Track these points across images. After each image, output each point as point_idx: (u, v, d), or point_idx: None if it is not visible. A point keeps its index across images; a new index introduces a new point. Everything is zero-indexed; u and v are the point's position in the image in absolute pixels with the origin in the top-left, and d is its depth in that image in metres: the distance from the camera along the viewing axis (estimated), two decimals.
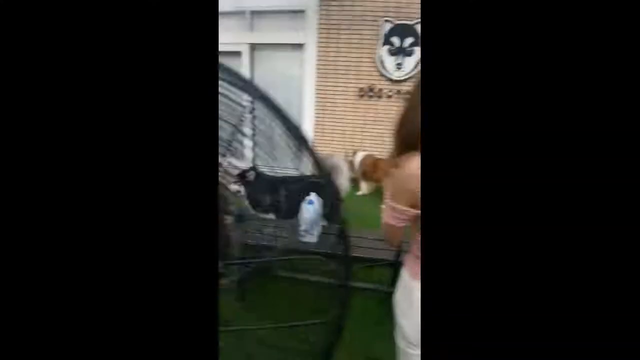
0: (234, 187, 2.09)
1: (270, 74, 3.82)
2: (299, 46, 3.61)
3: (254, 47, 3.78)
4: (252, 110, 1.03)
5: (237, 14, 3.72)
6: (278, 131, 0.86)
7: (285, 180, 2.18)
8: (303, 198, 1.82)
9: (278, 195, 2.07)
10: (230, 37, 3.70)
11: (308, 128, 3.66)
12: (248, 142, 2.41)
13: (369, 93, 3.62)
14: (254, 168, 2.17)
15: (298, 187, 2.00)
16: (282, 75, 3.80)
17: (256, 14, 3.73)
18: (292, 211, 1.84)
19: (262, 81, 3.72)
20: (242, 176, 2.19)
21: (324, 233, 1.67)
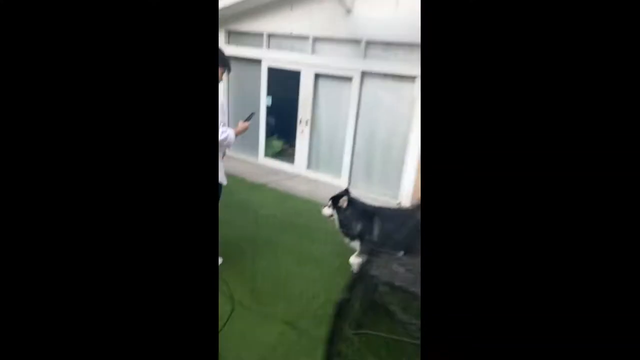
0: (327, 210, 2.33)
1: (378, 101, 4.20)
2: (410, 78, 3.82)
3: (364, 74, 4.13)
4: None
5: (353, 41, 4.13)
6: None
7: (380, 210, 2.31)
8: (399, 230, 2.10)
9: (371, 224, 2.20)
10: (343, 62, 4.22)
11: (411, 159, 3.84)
12: (346, 160, 5.10)
13: None
14: (347, 192, 2.28)
15: (393, 218, 2.24)
16: (389, 105, 4.12)
17: (371, 44, 4.07)
18: (385, 242, 2.06)
19: (370, 108, 4.24)
20: (335, 200, 2.30)
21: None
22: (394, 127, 4.26)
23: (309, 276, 2.30)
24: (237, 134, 2.05)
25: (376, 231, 2.32)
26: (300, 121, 4.95)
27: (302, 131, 4.97)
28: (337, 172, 4.83)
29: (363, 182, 4.68)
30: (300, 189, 4.49)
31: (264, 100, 5.22)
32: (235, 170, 4.88)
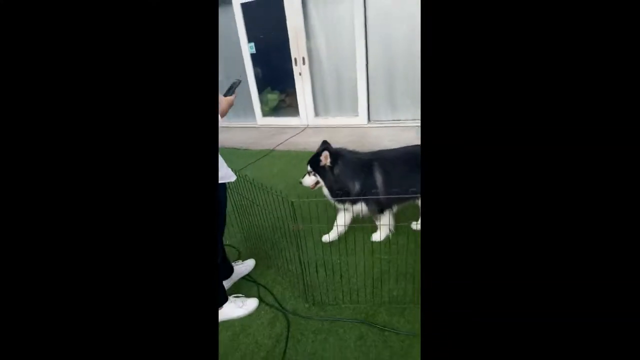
0: (308, 180, 1.77)
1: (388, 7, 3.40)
2: None
3: None
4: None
5: None
6: None
7: (377, 155, 1.78)
8: (410, 171, 1.63)
9: (372, 175, 1.68)
10: None
11: None
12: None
13: None
14: (326, 145, 1.74)
15: (397, 159, 1.71)
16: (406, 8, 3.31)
17: None
18: (395, 190, 1.58)
19: (380, 18, 3.31)
20: (314, 162, 1.73)
21: None
22: (414, 35, 3.34)
23: (367, 262, 1.70)
24: (222, 115, 1.35)
25: (380, 181, 1.73)
26: (296, 61, 4.05)
27: (300, 73, 4.08)
28: (353, 110, 4.03)
29: (386, 114, 3.90)
30: (315, 142, 3.76)
31: (246, 49, 4.27)
32: (234, 141, 4.15)
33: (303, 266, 1.47)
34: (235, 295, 1.59)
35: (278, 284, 1.72)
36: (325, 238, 1.96)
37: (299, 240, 1.45)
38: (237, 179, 1.61)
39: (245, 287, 1.72)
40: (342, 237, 1.95)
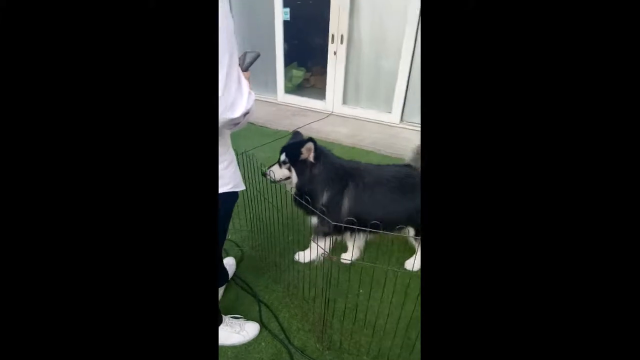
0: (279, 171, 1.43)
1: None
2: None
3: None
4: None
5: None
6: None
7: (359, 170, 1.46)
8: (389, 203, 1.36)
9: (340, 194, 1.39)
10: None
11: None
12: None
13: None
14: (312, 141, 1.37)
15: (380, 181, 1.40)
16: None
17: None
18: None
19: None
20: (292, 151, 1.41)
21: None
22: None
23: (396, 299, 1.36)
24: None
25: (346, 201, 1.44)
26: (333, 38, 3.61)
27: (336, 52, 3.66)
28: (387, 105, 3.63)
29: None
30: (340, 133, 3.38)
31: (280, 15, 3.82)
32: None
33: (326, 302, 1.14)
34: (232, 315, 1.28)
35: (285, 306, 1.41)
36: (299, 257, 1.64)
37: (329, 269, 1.11)
38: (248, 158, 1.33)
39: (244, 302, 1.41)
40: (366, 266, 1.63)
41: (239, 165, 1.08)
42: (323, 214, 1.27)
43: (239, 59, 0.85)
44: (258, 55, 0.99)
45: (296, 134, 1.59)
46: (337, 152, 2.91)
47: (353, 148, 3.08)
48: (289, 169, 1.46)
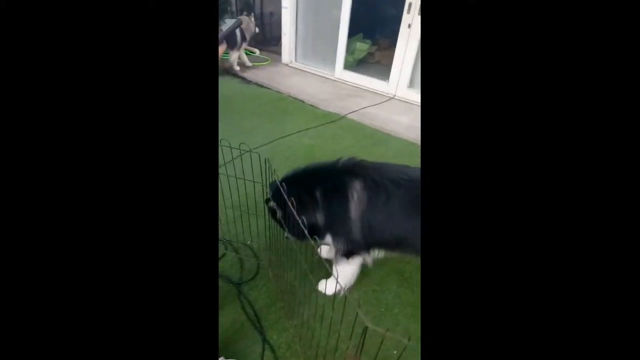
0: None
1: None
2: None
3: None
4: None
5: None
6: None
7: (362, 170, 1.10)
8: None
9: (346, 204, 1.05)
10: None
11: None
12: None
13: None
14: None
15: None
16: None
17: None
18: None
19: None
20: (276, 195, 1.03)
21: None
22: None
23: None
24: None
25: (355, 210, 1.07)
26: (410, 8, 3.01)
27: (410, 25, 3.07)
28: None
29: None
30: (399, 123, 2.88)
31: None
32: (302, 90, 3.41)
33: None
34: (227, 359, 1.03)
35: (294, 355, 1.11)
36: (322, 287, 1.29)
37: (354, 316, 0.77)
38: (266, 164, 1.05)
39: (247, 336, 1.15)
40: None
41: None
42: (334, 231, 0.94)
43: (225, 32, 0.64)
44: (239, 24, 0.79)
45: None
46: (393, 146, 2.50)
47: (414, 144, 2.58)
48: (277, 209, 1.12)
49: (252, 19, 3.65)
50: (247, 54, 4.00)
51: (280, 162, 2.15)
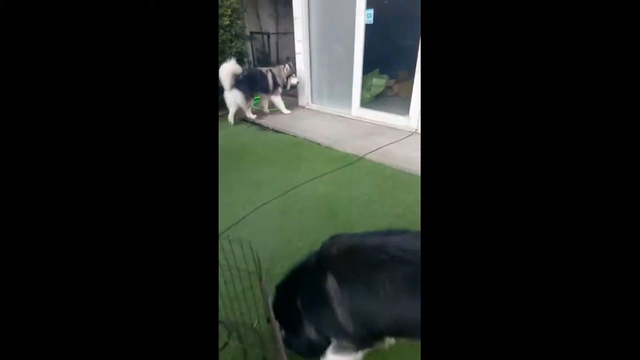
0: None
1: None
2: None
3: None
4: None
5: None
6: None
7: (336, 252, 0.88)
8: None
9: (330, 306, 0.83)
10: None
11: None
12: None
13: None
14: None
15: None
16: None
17: None
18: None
19: None
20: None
21: None
22: None
23: None
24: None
25: (342, 310, 0.84)
26: None
27: None
28: None
29: None
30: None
31: (362, 17, 3.27)
32: (317, 132, 3.31)
33: None
34: None
35: None
36: None
37: None
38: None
39: None
40: None
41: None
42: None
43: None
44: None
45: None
46: (416, 189, 2.25)
47: None
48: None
49: (286, 68, 3.68)
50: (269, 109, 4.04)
51: (293, 217, 1.97)
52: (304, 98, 4.16)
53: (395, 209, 2.03)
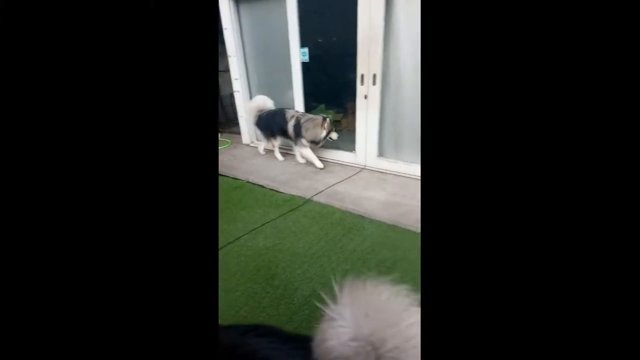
0: None
1: None
2: None
3: None
4: None
5: None
6: None
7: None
8: None
9: None
10: None
11: None
12: None
13: None
14: None
15: None
16: None
17: None
18: None
19: None
20: None
21: None
22: None
23: None
24: None
25: None
26: (363, 79, 2.86)
27: (367, 96, 2.89)
28: None
29: None
30: (375, 201, 2.49)
31: (297, 56, 3.20)
32: (261, 174, 3.06)
33: None
34: None
35: None
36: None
37: None
38: None
39: None
40: None
41: None
42: None
43: None
44: None
45: None
46: (368, 233, 2.06)
47: (394, 227, 2.15)
48: None
49: (325, 123, 3.02)
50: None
51: (225, 280, 1.65)
52: (248, 135, 3.93)
53: (344, 264, 1.79)
